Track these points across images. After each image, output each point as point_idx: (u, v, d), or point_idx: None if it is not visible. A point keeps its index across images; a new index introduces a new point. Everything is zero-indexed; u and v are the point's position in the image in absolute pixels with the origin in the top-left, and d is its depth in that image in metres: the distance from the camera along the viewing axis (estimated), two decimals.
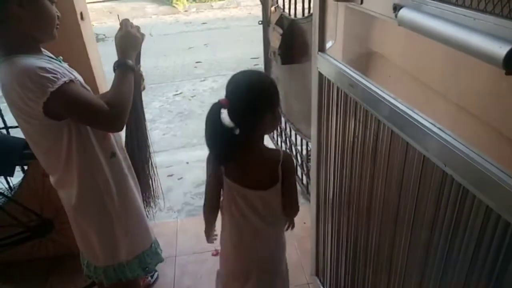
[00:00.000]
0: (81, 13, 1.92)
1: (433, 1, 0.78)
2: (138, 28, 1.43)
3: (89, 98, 1.22)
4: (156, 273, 2.22)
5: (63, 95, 1.13)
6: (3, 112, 2.13)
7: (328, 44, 1.37)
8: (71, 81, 1.17)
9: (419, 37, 0.80)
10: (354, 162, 1.29)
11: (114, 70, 1.32)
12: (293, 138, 2.82)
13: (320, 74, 1.41)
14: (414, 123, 0.92)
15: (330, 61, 1.32)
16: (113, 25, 8.46)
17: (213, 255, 2.39)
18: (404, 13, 0.82)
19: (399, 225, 1.09)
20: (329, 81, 1.36)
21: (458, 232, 0.83)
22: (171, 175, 3.21)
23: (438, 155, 0.85)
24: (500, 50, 0.58)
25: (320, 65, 1.40)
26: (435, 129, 0.86)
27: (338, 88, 1.30)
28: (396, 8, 0.86)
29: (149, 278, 2.17)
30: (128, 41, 1.37)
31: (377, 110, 1.08)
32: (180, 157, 3.47)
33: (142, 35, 1.43)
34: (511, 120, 0.69)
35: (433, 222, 0.92)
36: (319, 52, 1.39)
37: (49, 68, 1.13)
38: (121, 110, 1.24)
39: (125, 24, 1.40)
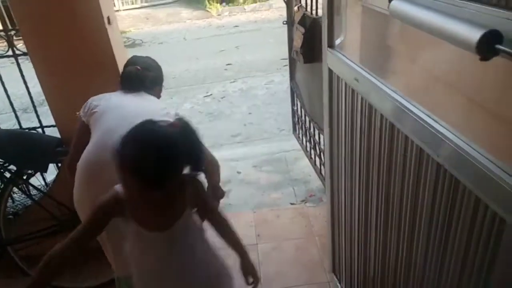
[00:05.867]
0: (108, 18, 2.01)
1: None
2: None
3: None
4: None
5: None
6: (39, 112, 2.29)
7: (338, 40, 1.38)
8: None
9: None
10: (362, 158, 1.29)
11: None
12: (316, 137, 2.82)
13: (330, 70, 1.42)
14: (413, 116, 0.92)
15: (338, 56, 1.33)
16: (150, 31, 8.77)
17: None
18: (395, 4, 0.83)
19: (403, 218, 1.08)
20: (338, 77, 1.37)
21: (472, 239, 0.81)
22: None
23: (434, 147, 0.85)
24: (473, 36, 0.58)
25: (330, 61, 1.41)
26: (427, 119, 0.86)
27: (345, 84, 1.31)
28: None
29: None
30: None
31: (380, 104, 1.08)
32: None
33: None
34: None
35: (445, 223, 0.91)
36: (328, 48, 1.40)
37: None
38: None
39: None
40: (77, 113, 1.70)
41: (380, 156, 1.14)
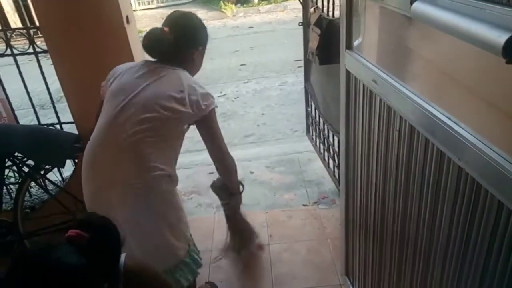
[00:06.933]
0: (127, 17, 2.04)
1: None
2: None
3: None
4: None
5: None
6: (56, 109, 2.33)
7: (356, 42, 1.38)
8: None
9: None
10: (380, 161, 1.28)
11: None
12: (330, 139, 2.81)
13: (348, 72, 1.41)
14: (433, 119, 0.91)
15: (356, 57, 1.32)
16: None
17: None
18: (417, 5, 0.82)
19: (422, 223, 1.07)
20: (356, 78, 1.36)
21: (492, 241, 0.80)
22: (212, 173, 3.30)
23: (455, 150, 0.84)
24: (499, 39, 0.57)
25: (348, 63, 1.40)
26: (449, 122, 0.85)
27: (363, 85, 1.30)
28: (412, 1, 0.86)
29: None
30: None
31: (398, 105, 1.08)
32: None
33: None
34: None
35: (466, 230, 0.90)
36: (346, 50, 1.39)
37: None
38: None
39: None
40: (102, 83, 1.61)
41: (398, 158, 1.13)
